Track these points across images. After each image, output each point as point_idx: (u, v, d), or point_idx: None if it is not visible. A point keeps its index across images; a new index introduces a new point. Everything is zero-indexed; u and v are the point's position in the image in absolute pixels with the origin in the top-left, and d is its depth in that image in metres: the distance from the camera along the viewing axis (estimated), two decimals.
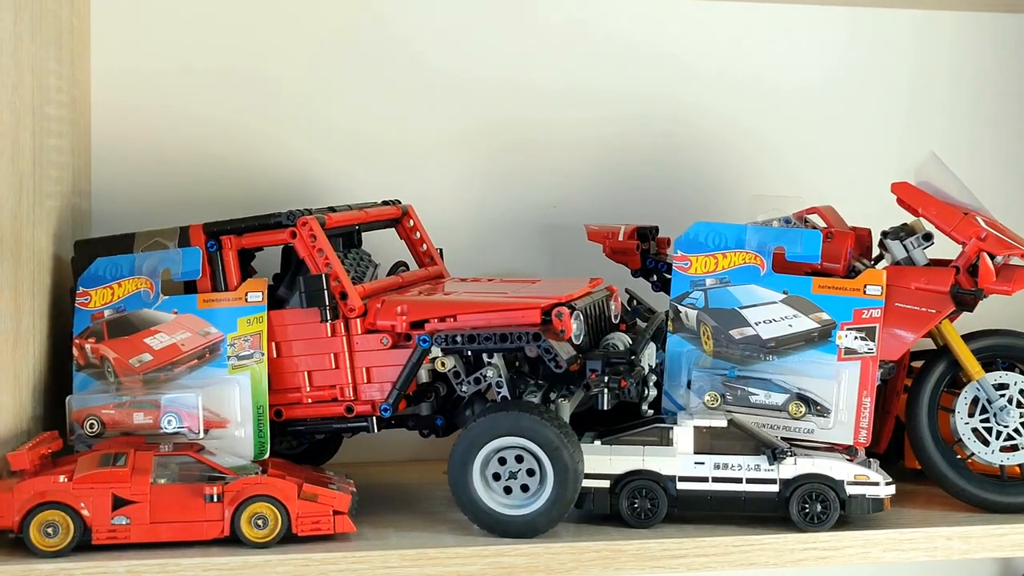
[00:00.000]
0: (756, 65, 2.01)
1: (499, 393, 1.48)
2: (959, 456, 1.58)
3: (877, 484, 1.47)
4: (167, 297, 1.54)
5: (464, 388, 1.48)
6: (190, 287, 1.56)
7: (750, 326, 1.57)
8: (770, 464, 1.47)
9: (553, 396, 1.48)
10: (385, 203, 1.72)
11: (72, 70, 1.71)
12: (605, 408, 1.46)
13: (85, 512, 1.35)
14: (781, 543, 1.45)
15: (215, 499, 1.37)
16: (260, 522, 1.38)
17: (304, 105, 1.89)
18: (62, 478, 1.36)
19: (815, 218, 1.68)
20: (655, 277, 1.77)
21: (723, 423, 1.49)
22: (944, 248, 1.61)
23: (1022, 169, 2.10)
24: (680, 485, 1.48)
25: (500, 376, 1.48)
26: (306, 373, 1.53)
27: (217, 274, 1.55)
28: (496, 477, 1.43)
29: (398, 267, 1.69)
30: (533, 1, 1.95)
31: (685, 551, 1.43)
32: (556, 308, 1.45)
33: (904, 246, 1.60)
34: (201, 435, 1.48)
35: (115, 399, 1.49)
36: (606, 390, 1.45)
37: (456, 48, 1.93)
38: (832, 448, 1.54)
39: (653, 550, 1.42)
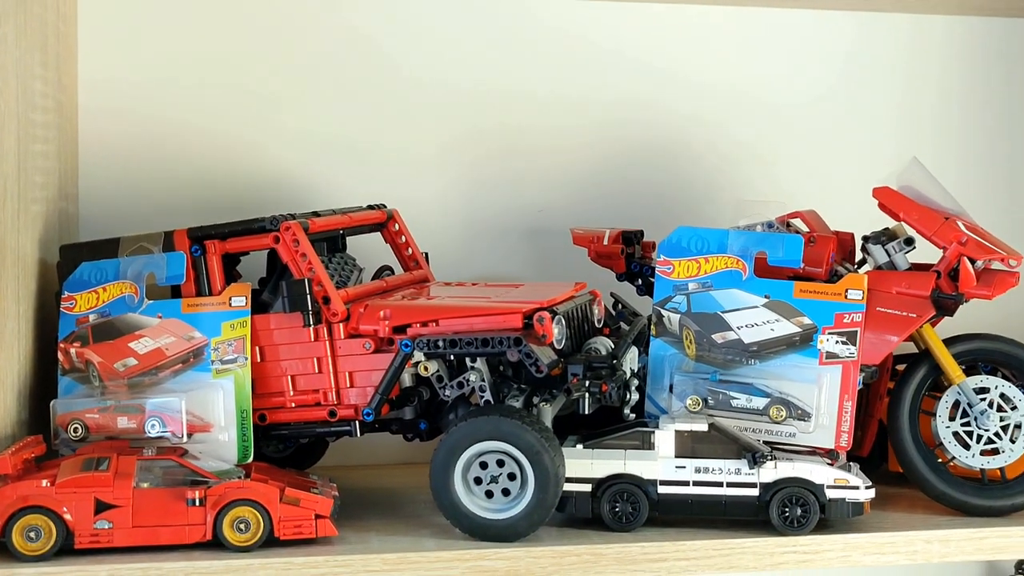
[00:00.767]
0: (740, 70, 2.02)
1: (482, 397, 1.49)
2: (940, 460, 1.59)
3: (857, 488, 1.48)
4: (152, 301, 1.54)
5: (447, 392, 1.49)
6: (175, 291, 1.56)
7: (732, 330, 1.57)
8: (750, 468, 1.48)
9: (536, 400, 1.49)
10: (370, 207, 1.73)
11: (58, 75, 1.71)
12: (586, 412, 1.47)
13: (67, 516, 1.36)
14: (761, 547, 1.46)
15: (197, 503, 1.38)
16: (242, 526, 1.39)
17: (292, 111, 1.89)
18: (45, 482, 1.37)
19: (798, 222, 1.69)
20: (640, 281, 1.77)
21: (704, 427, 1.50)
22: (926, 252, 1.62)
23: (1009, 174, 2.11)
24: (661, 489, 1.49)
25: (483, 380, 1.49)
26: (289, 377, 1.53)
27: (201, 278, 1.56)
28: (477, 481, 1.43)
29: (383, 271, 1.70)
30: (519, 10, 1.95)
31: (665, 555, 1.43)
32: (538, 313, 1.45)
33: (886, 250, 1.61)
34: (184, 439, 1.49)
35: (99, 403, 1.50)
36: (587, 394, 1.46)
37: (442, 54, 1.93)
38: (814, 452, 1.55)
39: (634, 554, 1.43)
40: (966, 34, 2.08)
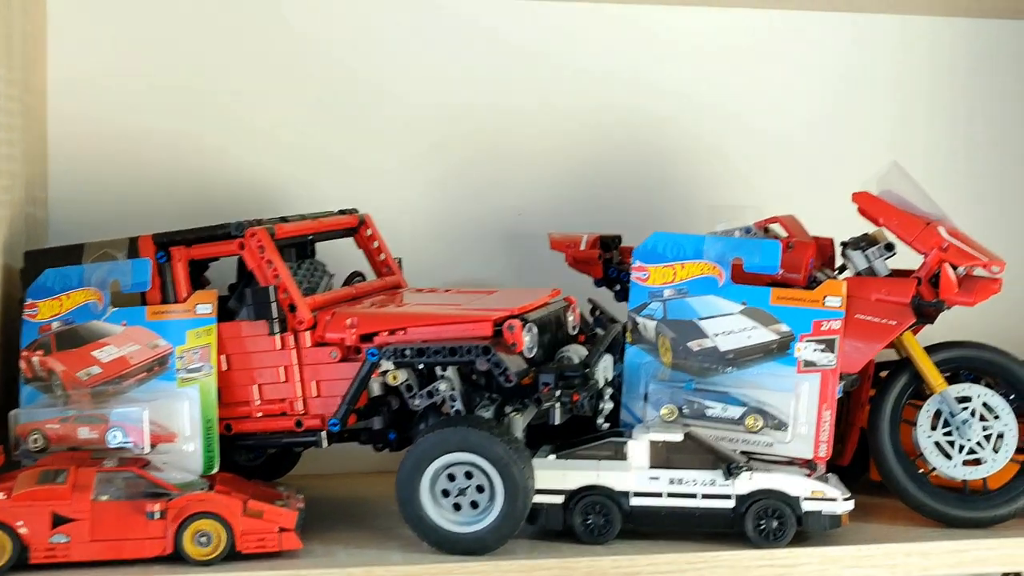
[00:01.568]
0: (717, 75, 1.99)
1: (453, 407, 1.45)
2: (921, 470, 1.56)
3: (834, 500, 1.45)
4: (116, 309, 1.52)
5: (417, 402, 1.46)
6: (144, 299, 1.53)
7: (708, 338, 1.54)
8: (726, 479, 1.45)
9: (507, 410, 1.45)
10: (342, 212, 1.70)
11: (25, 76, 1.68)
12: (557, 423, 1.44)
13: (23, 530, 1.32)
14: (736, 560, 1.43)
15: (157, 516, 1.35)
16: (203, 539, 1.36)
17: (266, 115, 1.86)
18: (0, 495, 1.34)
19: (777, 228, 1.66)
20: (618, 287, 1.74)
21: (679, 437, 1.47)
22: (907, 259, 1.58)
23: (999, 178, 2.08)
24: (634, 500, 1.45)
25: (454, 390, 1.45)
26: (256, 387, 1.50)
27: (167, 286, 1.53)
28: (445, 493, 1.40)
29: (353, 278, 1.67)
30: (497, 18, 1.92)
31: (638, 568, 1.40)
32: (508, 320, 1.42)
33: (866, 256, 1.58)
34: (147, 450, 1.46)
35: (61, 413, 1.47)
36: (558, 404, 1.43)
37: (419, 59, 1.90)
38: (792, 462, 1.51)
39: (605, 567, 1.40)
40: (953, 34, 2.05)
